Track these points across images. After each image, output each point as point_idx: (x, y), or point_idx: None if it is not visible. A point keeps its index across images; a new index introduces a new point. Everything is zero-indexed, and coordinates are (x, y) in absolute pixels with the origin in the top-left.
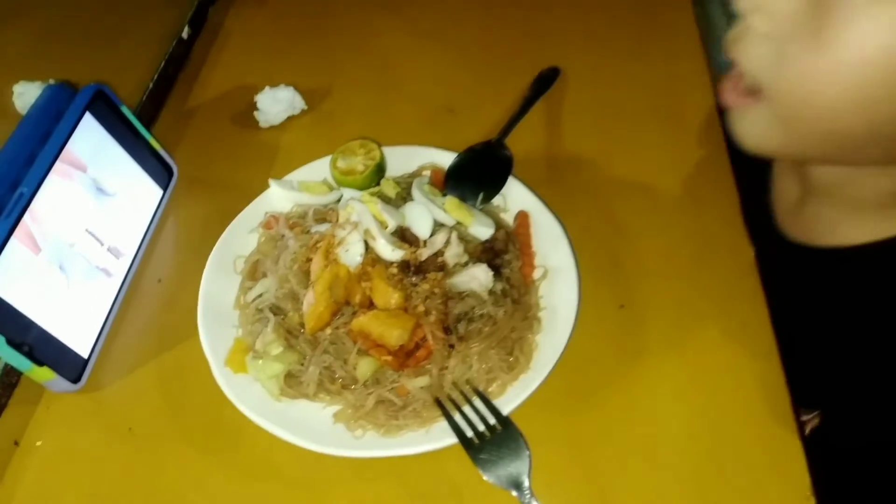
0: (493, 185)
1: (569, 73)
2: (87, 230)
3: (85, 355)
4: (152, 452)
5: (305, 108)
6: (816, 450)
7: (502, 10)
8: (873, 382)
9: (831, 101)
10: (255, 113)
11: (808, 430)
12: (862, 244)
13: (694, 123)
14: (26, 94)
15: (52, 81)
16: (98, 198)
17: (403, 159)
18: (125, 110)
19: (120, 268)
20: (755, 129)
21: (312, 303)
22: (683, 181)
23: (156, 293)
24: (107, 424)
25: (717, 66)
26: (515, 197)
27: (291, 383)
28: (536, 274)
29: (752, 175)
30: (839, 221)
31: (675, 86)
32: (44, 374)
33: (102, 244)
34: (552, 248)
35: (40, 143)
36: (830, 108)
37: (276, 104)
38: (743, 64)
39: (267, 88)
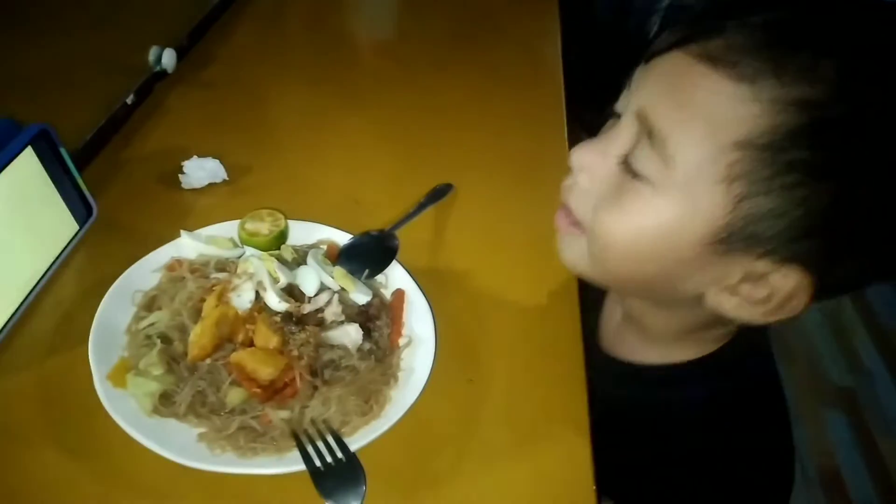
0: (379, 265)
1: (460, 190)
2: (4, 246)
3: None
4: (21, 452)
5: (227, 178)
6: None
7: (418, 126)
8: (656, 481)
9: (620, 252)
10: (180, 175)
11: None
12: (652, 364)
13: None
14: None
15: None
16: (20, 219)
17: (305, 232)
18: (63, 151)
19: (25, 284)
20: (574, 255)
21: (199, 333)
22: (537, 290)
23: (53, 312)
24: None
25: None
26: (396, 277)
27: (165, 403)
28: (402, 341)
29: (593, 296)
30: (638, 343)
31: (547, 214)
32: None
33: (17, 260)
34: (418, 322)
35: None
36: (620, 256)
37: (201, 171)
38: (571, 206)
39: (195, 157)
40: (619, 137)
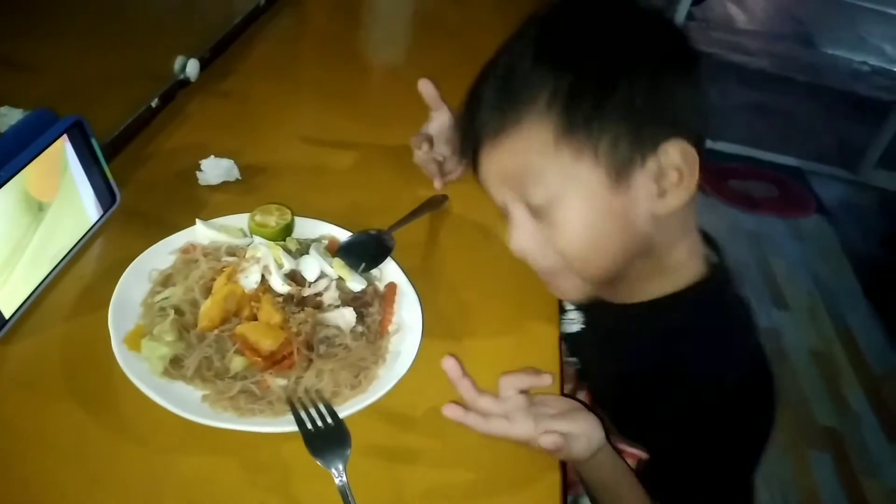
0: (375, 261)
1: (454, 202)
2: (38, 220)
3: (7, 315)
4: (44, 405)
5: (240, 178)
6: (646, 479)
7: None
8: (675, 418)
9: (583, 251)
10: (198, 172)
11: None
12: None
13: None
14: (8, 116)
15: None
16: (51, 200)
17: (309, 228)
18: (94, 141)
19: (54, 257)
20: (569, 288)
21: (208, 306)
22: (517, 292)
23: (76, 284)
24: (9, 375)
25: None
26: (389, 272)
27: (175, 366)
28: (392, 328)
29: None
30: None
31: None
32: None
33: (48, 235)
34: (408, 313)
35: (20, 148)
36: (584, 255)
37: (217, 169)
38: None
39: (212, 156)
40: (522, 223)
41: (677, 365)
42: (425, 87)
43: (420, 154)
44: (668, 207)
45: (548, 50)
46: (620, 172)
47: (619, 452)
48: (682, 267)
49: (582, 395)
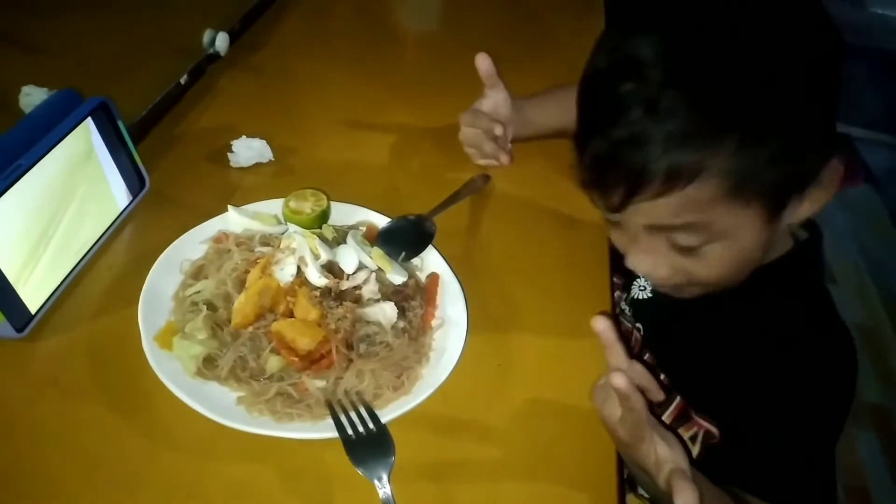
0: (415, 249)
1: (497, 181)
2: (63, 209)
3: (33, 311)
4: (71, 404)
5: (273, 159)
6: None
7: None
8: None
9: (722, 279)
10: (229, 154)
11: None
12: None
13: (587, 231)
14: (32, 96)
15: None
16: (79, 185)
17: (346, 214)
18: (121, 124)
19: (81, 249)
20: (683, 294)
21: (242, 302)
22: (567, 280)
23: (105, 276)
24: (36, 373)
25: None
26: (431, 262)
27: (207, 366)
28: (435, 323)
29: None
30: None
31: (581, 208)
32: None
33: (74, 224)
34: (451, 305)
35: (43, 132)
36: (723, 282)
37: (248, 150)
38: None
39: (243, 137)
40: (655, 250)
41: (755, 340)
42: (483, 63)
43: (469, 133)
44: (806, 215)
45: (707, 101)
46: (780, 207)
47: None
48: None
49: (647, 358)
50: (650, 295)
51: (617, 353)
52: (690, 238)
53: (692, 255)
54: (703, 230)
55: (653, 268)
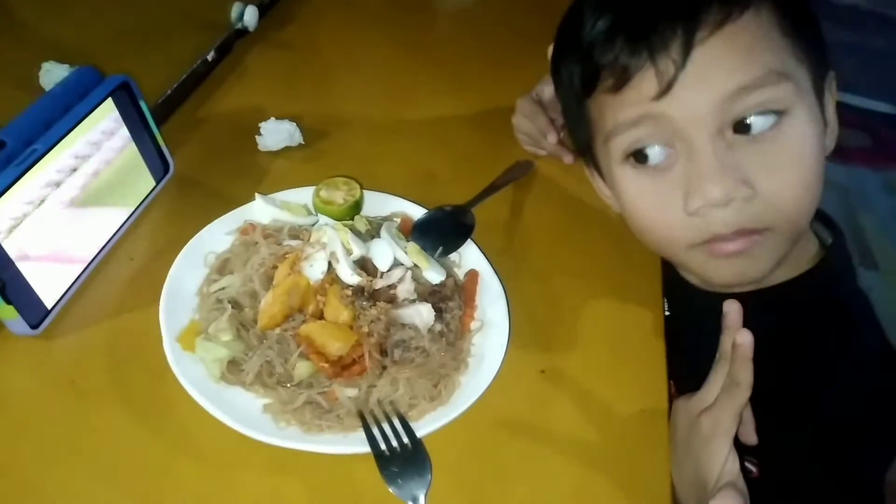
0: (453, 243)
1: (541, 167)
2: (82, 196)
3: (49, 306)
4: (87, 407)
5: (303, 142)
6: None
7: (499, 100)
8: (793, 425)
9: (813, 189)
10: (257, 137)
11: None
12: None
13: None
14: (53, 73)
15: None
16: (98, 171)
17: (379, 204)
18: (143, 104)
19: (100, 238)
20: (765, 259)
21: (269, 302)
22: (616, 276)
23: (126, 268)
24: (51, 373)
25: None
26: (470, 257)
27: (232, 370)
28: (474, 325)
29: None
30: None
31: None
32: (7, 313)
33: (93, 212)
34: (492, 306)
35: (61, 112)
36: (813, 193)
37: (277, 133)
38: (746, 224)
39: (272, 118)
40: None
41: (793, 362)
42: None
43: (524, 124)
44: (833, 125)
45: None
46: (819, 74)
47: None
48: (801, 249)
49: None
50: (667, 313)
51: (746, 340)
52: (765, 93)
53: (762, 156)
54: (774, 82)
55: (720, 180)
